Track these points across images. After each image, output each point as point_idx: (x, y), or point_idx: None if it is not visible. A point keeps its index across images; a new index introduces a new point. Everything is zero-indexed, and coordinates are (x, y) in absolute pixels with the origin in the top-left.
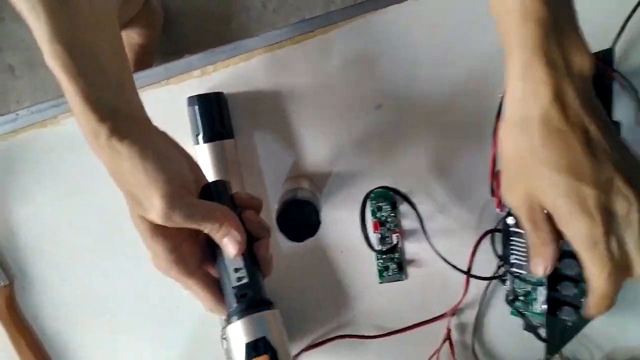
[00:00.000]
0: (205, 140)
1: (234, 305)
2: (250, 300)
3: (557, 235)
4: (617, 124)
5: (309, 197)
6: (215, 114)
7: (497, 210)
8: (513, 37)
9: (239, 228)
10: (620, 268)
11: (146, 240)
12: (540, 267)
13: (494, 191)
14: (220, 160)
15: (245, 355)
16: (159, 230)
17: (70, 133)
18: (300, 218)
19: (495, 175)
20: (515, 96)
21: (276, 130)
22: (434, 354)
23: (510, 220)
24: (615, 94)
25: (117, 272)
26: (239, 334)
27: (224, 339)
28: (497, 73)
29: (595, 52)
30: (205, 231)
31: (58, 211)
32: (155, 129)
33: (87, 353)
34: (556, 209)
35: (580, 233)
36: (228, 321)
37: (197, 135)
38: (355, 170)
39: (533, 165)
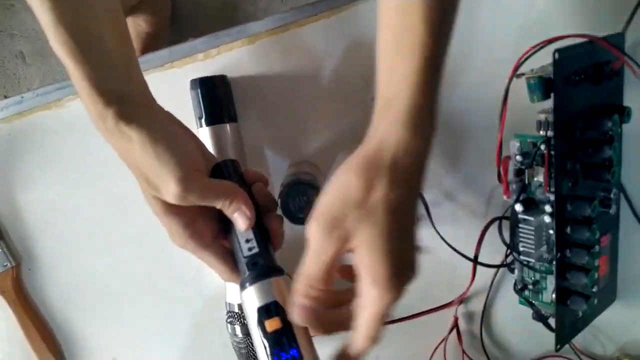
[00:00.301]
0: (208, 123)
1: (246, 273)
2: (261, 268)
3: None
4: (626, 110)
5: (311, 180)
6: (217, 97)
7: (505, 197)
8: (410, 76)
9: (248, 204)
10: None
11: (161, 218)
12: (302, 319)
13: (501, 177)
14: (223, 143)
15: (258, 319)
16: (173, 209)
17: (74, 116)
18: (303, 200)
19: (502, 160)
20: (390, 137)
21: (280, 115)
22: (441, 343)
23: (518, 207)
24: (626, 79)
25: (123, 256)
26: (251, 299)
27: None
28: (503, 59)
29: (606, 36)
30: (217, 207)
31: (63, 194)
32: (162, 110)
33: (92, 335)
34: (378, 263)
35: (384, 301)
36: (242, 288)
37: (200, 118)
38: None
39: (386, 211)
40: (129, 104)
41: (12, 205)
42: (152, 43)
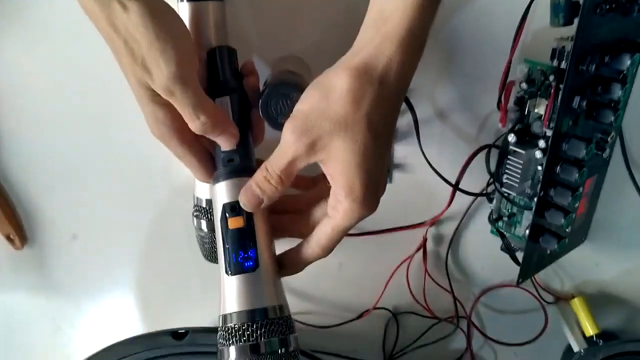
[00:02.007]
0: None
1: (221, 168)
2: (236, 166)
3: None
4: None
5: (297, 82)
6: None
7: (500, 125)
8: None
9: (234, 125)
10: None
11: (147, 105)
12: (246, 203)
13: (501, 103)
14: (204, 23)
15: (221, 214)
16: (162, 97)
17: None
18: (286, 104)
19: (506, 85)
20: (382, 53)
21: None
22: (405, 260)
23: (511, 138)
24: None
25: (87, 135)
26: (220, 194)
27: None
28: None
29: None
30: (195, 124)
31: (23, 59)
32: None
33: (52, 210)
34: (355, 178)
35: (357, 214)
36: (214, 181)
37: None
38: None
39: (367, 127)
40: None
41: None
42: None
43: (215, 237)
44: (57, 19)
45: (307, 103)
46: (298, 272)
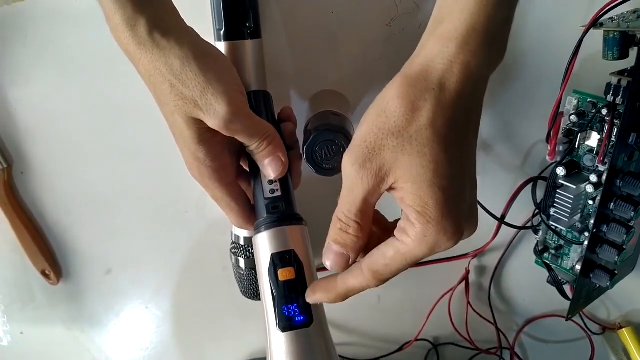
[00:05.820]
0: (227, 38)
1: (264, 215)
2: (282, 213)
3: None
4: None
5: (342, 125)
6: (241, 7)
7: (548, 158)
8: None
9: (284, 151)
10: None
11: (190, 145)
12: (332, 265)
13: (550, 136)
14: (242, 62)
15: (270, 265)
16: (207, 136)
17: (74, 4)
18: (331, 149)
19: (555, 117)
20: (439, 55)
21: (310, 33)
22: (448, 292)
23: (560, 171)
24: None
25: (122, 167)
26: (265, 244)
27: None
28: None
29: None
30: (250, 146)
31: (58, 94)
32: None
33: (88, 244)
34: (429, 197)
35: (430, 242)
36: (257, 231)
37: (219, 30)
38: None
39: (432, 138)
40: (162, 10)
41: (4, 103)
42: None
43: (254, 276)
44: (88, 53)
45: (362, 129)
46: (335, 301)
